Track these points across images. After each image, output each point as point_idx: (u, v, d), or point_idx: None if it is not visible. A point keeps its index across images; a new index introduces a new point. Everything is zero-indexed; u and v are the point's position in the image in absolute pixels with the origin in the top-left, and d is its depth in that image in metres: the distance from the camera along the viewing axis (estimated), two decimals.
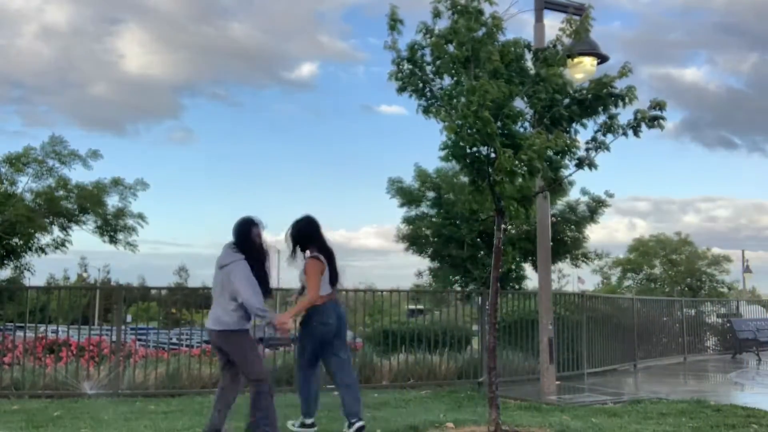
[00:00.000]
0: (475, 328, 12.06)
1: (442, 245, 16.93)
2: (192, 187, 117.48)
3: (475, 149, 5.60)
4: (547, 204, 9.95)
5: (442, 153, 5.68)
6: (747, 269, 43.26)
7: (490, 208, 6.17)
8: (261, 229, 5.70)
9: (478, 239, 16.50)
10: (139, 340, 13.09)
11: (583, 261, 18.44)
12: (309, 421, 6.48)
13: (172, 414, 7.20)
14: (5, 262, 16.44)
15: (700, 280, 36.20)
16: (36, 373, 8.97)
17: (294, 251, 6.31)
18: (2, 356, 9.39)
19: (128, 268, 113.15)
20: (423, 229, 17.37)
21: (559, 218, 16.68)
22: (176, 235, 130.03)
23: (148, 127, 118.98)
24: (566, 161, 6.03)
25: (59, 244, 17.36)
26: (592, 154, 6.12)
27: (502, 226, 6.01)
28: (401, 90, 5.93)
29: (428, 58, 5.85)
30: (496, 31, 5.57)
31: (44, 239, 16.98)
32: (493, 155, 5.54)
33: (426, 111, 5.90)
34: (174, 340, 13.00)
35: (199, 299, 12.07)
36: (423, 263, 19.44)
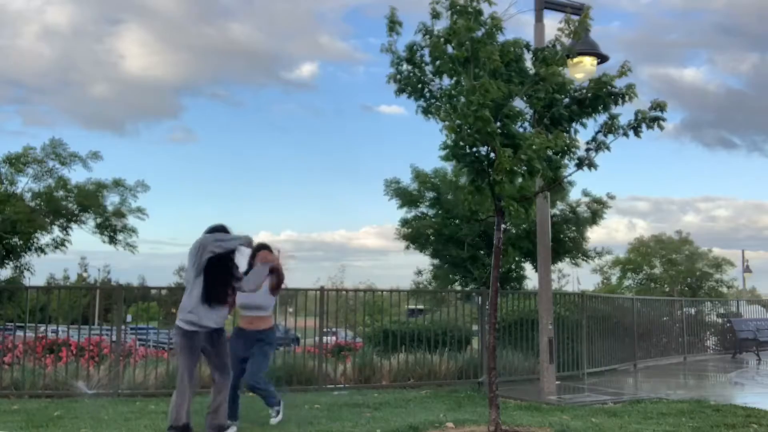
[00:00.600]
0: (475, 328, 12.06)
1: (442, 245, 16.93)
2: (192, 187, 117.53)
3: (474, 149, 5.61)
4: (547, 204, 9.95)
5: (443, 153, 5.68)
6: (747, 269, 43.23)
7: (489, 208, 6.17)
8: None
9: (478, 239, 16.50)
10: (139, 339, 13.07)
11: (583, 260, 18.43)
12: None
13: None
14: (5, 261, 16.44)
15: (700, 279, 36.21)
16: (36, 373, 8.97)
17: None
18: (2, 356, 9.40)
19: (128, 268, 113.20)
20: (423, 228, 17.37)
21: (559, 219, 16.68)
22: (176, 235, 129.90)
23: (148, 126, 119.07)
24: (566, 161, 6.03)
25: (59, 244, 17.38)
26: (592, 154, 6.13)
27: (502, 226, 6.01)
28: (400, 92, 5.94)
29: (427, 59, 5.85)
30: (495, 31, 5.56)
31: (44, 239, 17.00)
32: (492, 155, 5.54)
33: (425, 112, 5.90)
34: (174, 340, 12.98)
35: None
36: (424, 261, 19.45)
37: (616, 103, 6.03)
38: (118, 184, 17.80)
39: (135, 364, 9.43)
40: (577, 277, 41.75)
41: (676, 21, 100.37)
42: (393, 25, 5.81)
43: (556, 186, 6.42)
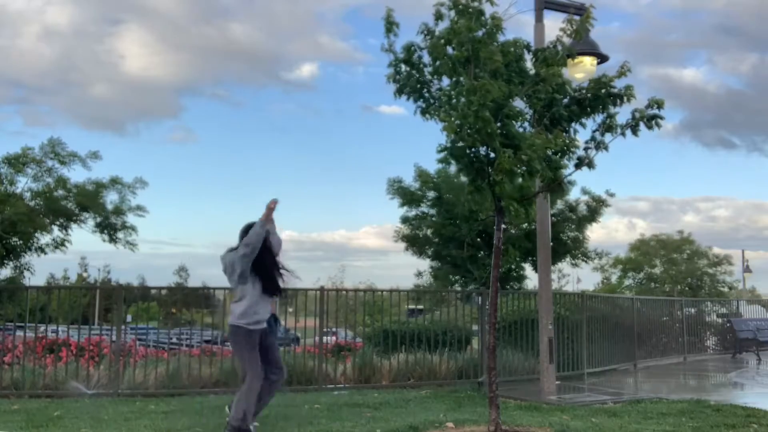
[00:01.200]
0: (475, 328, 12.05)
1: (442, 245, 16.94)
2: (192, 187, 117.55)
3: (474, 149, 5.60)
4: (547, 204, 9.94)
5: (440, 155, 5.69)
6: (747, 269, 43.24)
7: (490, 208, 6.18)
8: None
9: (479, 239, 16.50)
10: (139, 339, 13.07)
11: (583, 260, 18.44)
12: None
13: (172, 414, 7.20)
14: (5, 261, 16.44)
15: (701, 279, 36.24)
16: (36, 373, 8.97)
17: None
18: (2, 356, 9.40)
19: (128, 268, 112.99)
20: (423, 228, 17.37)
21: (559, 218, 16.68)
22: (176, 235, 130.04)
23: (148, 127, 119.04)
24: (565, 161, 6.03)
25: (59, 244, 17.38)
26: (592, 153, 6.13)
27: (502, 225, 6.00)
28: (399, 92, 5.94)
29: (426, 60, 5.85)
30: (496, 31, 5.56)
31: (44, 239, 17.00)
32: (492, 155, 5.54)
33: (424, 112, 5.89)
34: (174, 340, 13.00)
35: (199, 299, 12.07)
36: (423, 263, 19.46)
37: (615, 104, 6.03)
38: (115, 182, 17.80)
39: (135, 364, 9.43)
40: (577, 276, 41.74)
41: (676, 21, 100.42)
42: (390, 26, 5.82)
43: (556, 186, 6.41)
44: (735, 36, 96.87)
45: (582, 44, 7.93)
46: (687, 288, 35.18)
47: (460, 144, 5.49)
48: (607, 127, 6.05)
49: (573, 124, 6.08)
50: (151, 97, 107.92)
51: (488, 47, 5.43)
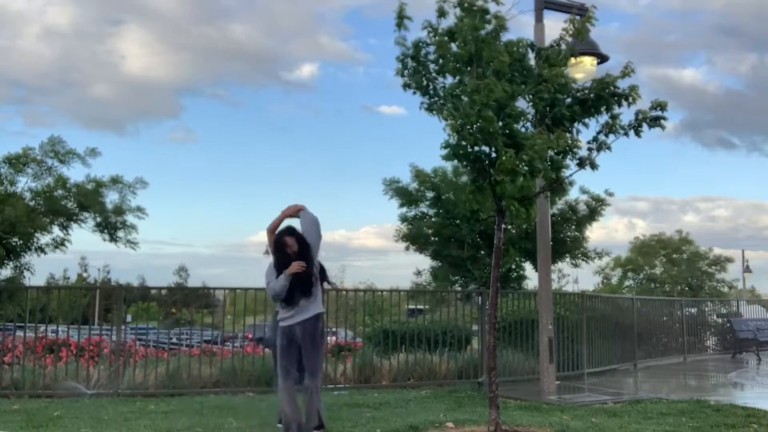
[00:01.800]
0: (475, 328, 12.05)
1: (442, 245, 16.94)
2: (192, 187, 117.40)
3: (476, 148, 5.60)
4: (547, 204, 9.94)
5: (444, 152, 5.68)
6: (747, 269, 43.23)
7: (491, 207, 6.16)
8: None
9: (479, 239, 16.50)
10: (139, 340, 13.08)
11: (583, 260, 18.44)
12: None
13: (172, 414, 7.20)
14: (5, 261, 16.44)
15: (701, 279, 36.25)
16: (36, 373, 8.97)
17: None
18: (2, 356, 9.39)
19: (128, 268, 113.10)
20: (423, 228, 17.37)
21: (559, 218, 16.68)
22: (176, 235, 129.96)
23: (149, 127, 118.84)
24: (567, 161, 6.02)
25: (59, 244, 17.38)
26: (594, 154, 6.12)
27: (503, 225, 6.00)
28: (406, 86, 5.95)
29: (432, 56, 5.86)
30: (500, 30, 5.57)
31: (44, 239, 17.00)
32: (494, 155, 5.54)
33: (429, 109, 5.90)
34: (174, 340, 13.01)
35: (199, 299, 12.07)
36: (423, 262, 19.49)
37: (619, 105, 6.02)
38: (116, 181, 17.80)
39: (135, 364, 9.43)
40: (576, 277, 41.73)
41: (675, 22, 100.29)
42: (401, 20, 5.82)
43: (557, 186, 6.40)
44: (734, 36, 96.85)
45: (582, 44, 7.93)
46: (687, 288, 35.20)
47: (463, 143, 5.49)
48: (611, 127, 6.04)
49: (575, 125, 6.07)
50: (152, 97, 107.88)
51: (492, 46, 5.43)
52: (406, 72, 5.92)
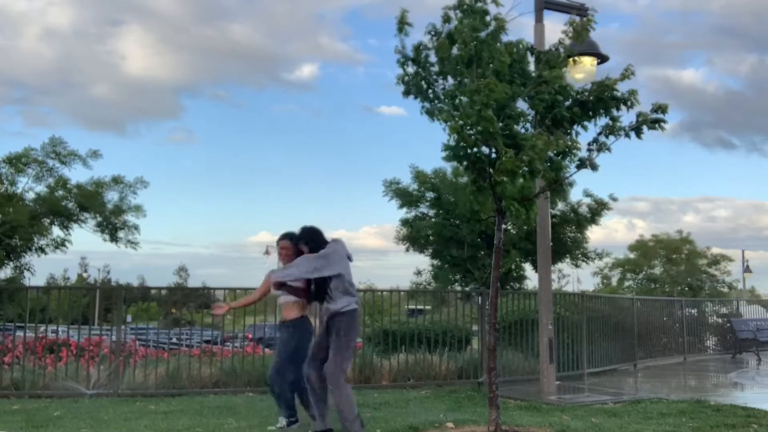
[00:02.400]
0: (475, 328, 12.05)
1: (442, 245, 16.95)
2: (192, 188, 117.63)
3: (476, 149, 5.60)
4: (548, 205, 9.94)
5: (444, 154, 5.68)
6: (747, 269, 43.21)
7: (491, 208, 6.16)
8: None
9: (479, 239, 16.51)
10: (139, 340, 13.07)
11: (583, 260, 18.45)
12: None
13: (172, 414, 7.19)
14: (5, 262, 16.45)
15: (701, 279, 36.23)
16: (36, 373, 8.97)
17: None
18: (2, 356, 9.39)
19: (128, 268, 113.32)
20: (424, 229, 17.38)
21: (559, 219, 16.69)
22: (176, 235, 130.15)
23: (149, 127, 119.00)
24: (567, 162, 6.02)
25: (59, 244, 17.40)
26: (594, 155, 6.12)
27: (503, 226, 6.00)
28: (407, 93, 5.96)
29: (432, 59, 5.86)
30: (500, 31, 5.57)
31: (44, 239, 17.01)
32: (494, 156, 5.54)
33: (430, 113, 5.90)
34: (174, 340, 13.00)
35: (199, 299, 12.06)
36: (423, 261, 19.52)
37: (618, 108, 6.02)
38: (117, 181, 17.80)
39: (135, 364, 9.42)
40: (577, 277, 41.78)
41: (675, 22, 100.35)
42: (402, 26, 5.82)
43: (557, 187, 6.41)
44: (734, 37, 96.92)
45: (582, 45, 7.93)
46: (687, 288, 35.18)
47: (463, 144, 5.49)
48: (611, 129, 6.05)
49: (575, 126, 6.07)
50: (152, 98, 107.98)
51: (492, 47, 5.44)
52: (406, 78, 5.93)
